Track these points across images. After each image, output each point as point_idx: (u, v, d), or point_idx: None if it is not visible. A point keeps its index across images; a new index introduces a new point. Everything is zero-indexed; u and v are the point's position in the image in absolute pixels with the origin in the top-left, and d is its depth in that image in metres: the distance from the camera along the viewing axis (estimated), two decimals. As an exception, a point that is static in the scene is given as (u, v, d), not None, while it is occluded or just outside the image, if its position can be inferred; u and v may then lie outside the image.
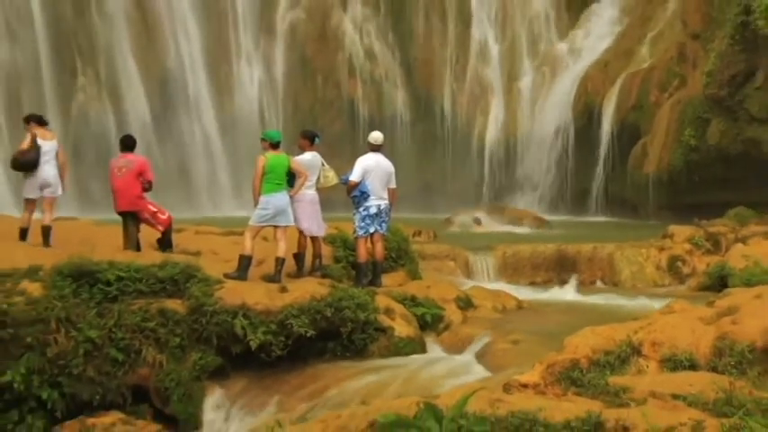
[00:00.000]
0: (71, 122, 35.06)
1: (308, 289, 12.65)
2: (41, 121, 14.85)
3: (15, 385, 11.03)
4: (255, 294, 12.35)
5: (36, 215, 14.89)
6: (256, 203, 13.73)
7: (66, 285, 11.91)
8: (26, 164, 14.51)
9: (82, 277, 12.03)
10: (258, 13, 39.70)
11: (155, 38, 37.40)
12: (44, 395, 11.18)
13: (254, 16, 39.60)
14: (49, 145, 14.55)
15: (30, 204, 14.64)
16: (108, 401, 11.51)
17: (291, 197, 13.88)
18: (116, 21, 36.43)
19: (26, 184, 14.62)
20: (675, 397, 7.00)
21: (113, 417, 11.41)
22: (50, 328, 11.42)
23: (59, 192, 14.81)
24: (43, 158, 14.44)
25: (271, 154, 13.84)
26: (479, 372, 11.27)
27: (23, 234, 14.31)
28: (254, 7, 39.57)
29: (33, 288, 11.81)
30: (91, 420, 11.28)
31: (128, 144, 14.99)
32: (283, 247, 13.66)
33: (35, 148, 14.40)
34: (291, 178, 14.11)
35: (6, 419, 11.09)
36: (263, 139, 14.24)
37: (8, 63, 33.97)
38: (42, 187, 14.52)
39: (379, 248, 14.75)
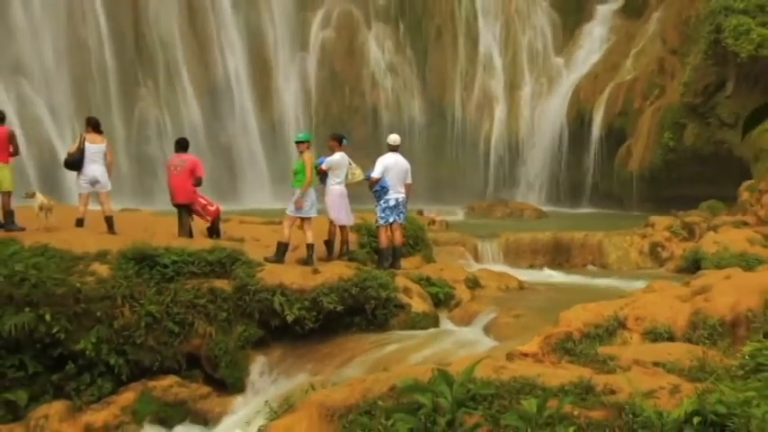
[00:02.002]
0: (133, 126, 35.21)
1: (337, 271, 12.67)
2: (96, 126, 14.86)
3: (87, 352, 11.15)
4: (291, 275, 12.39)
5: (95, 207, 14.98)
6: (304, 194, 13.69)
7: (130, 267, 12.00)
8: (71, 164, 14.57)
9: (143, 260, 12.11)
10: (294, 32, 39.64)
11: (205, 54, 37.44)
12: (111, 361, 11.29)
13: (291, 35, 39.55)
14: (96, 147, 14.53)
15: (83, 198, 14.69)
16: (166, 367, 11.60)
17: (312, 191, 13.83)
18: (172, 39, 36.49)
19: (78, 181, 14.67)
20: (656, 364, 6.98)
21: (170, 380, 11.49)
22: (117, 304, 11.51)
23: (108, 187, 14.80)
24: (89, 159, 14.42)
25: (309, 153, 13.85)
26: (485, 343, 11.26)
27: (80, 223, 14.37)
28: (291, 27, 39.52)
29: (102, 269, 11.89)
30: (151, 383, 11.37)
31: (182, 145, 15.00)
32: (311, 234, 13.66)
33: (80, 150, 14.44)
34: (323, 176, 14.16)
35: (80, 381, 11.22)
36: (302, 142, 14.10)
37: (81, 75, 34.17)
38: (92, 183, 14.55)
39: (398, 236, 14.77)
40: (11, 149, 14.39)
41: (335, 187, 14.26)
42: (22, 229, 13.61)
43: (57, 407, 10.96)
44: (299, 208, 13.63)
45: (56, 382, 11.26)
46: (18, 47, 32.54)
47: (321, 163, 14.24)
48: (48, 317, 11.07)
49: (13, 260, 11.54)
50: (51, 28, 33.49)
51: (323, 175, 14.16)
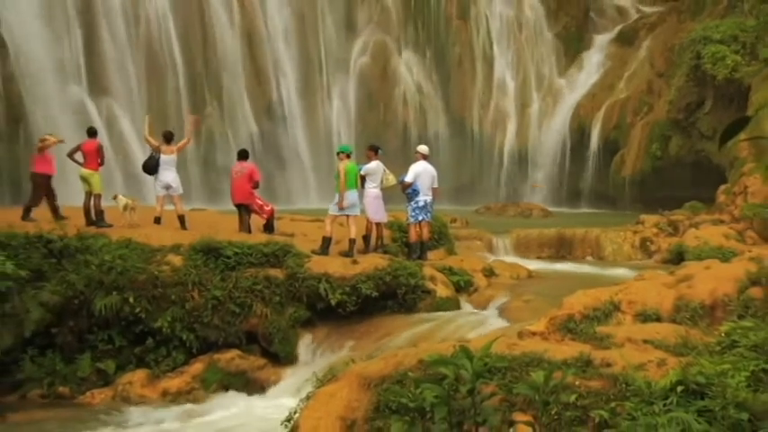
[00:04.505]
0: (202, 140, 35.38)
1: (373, 261, 12.69)
2: (168, 138, 15.00)
3: (164, 329, 11.31)
4: (334, 265, 12.44)
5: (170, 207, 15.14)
6: (342, 198, 13.74)
7: (199, 258, 12.13)
8: (146, 169, 14.80)
9: (210, 252, 12.23)
10: (337, 58, 39.68)
11: (261, 78, 37.56)
12: (184, 337, 11.43)
13: (334, 61, 39.56)
14: (167, 157, 14.65)
15: (160, 199, 14.84)
16: (229, 342, 11.72)
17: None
18: (234, 66, 36.67)
19: (155, 185, 14.84)
20: (646, 341, 6.94)
21: (233, 353, 11.59)
22: (188, 289, 11.65)
23: (180, 190, 14.97)
24: (162, 167, 14.57)
25: (346, 162, 13.92)
26: (500, 323, 11.23)
27: (157, 220, 14.52)
28: (334, 54, 39.57)
29: (176, 260, 12.03)
30: (217, 356, 11.49)
31: (242, 155, 15.14)
32: (354, 231, 13.71)
33: (153, 158, 14.57)
34: (362, 181, 14.20)
35: (158, 354, 11.41)
36: (340, 152, 14.31)
37: (159, 96, 34.50)
38: (166, 187, 14.70)
39: (426, 232, 14.75)
40: (99, 160, 14.61)
41: (372, 190, 14.29)
42: (110, 226, 13.81)
43: (139, 375, 11.13)
44: (340, 208, 13.72)
45: (138, 354, 11.45)
46: (107, 73, 32.93)
47: (360, 170, 14.30)
48: (131, 299, 11.25)
49: (103, 252, 11.74)
50: (134, 56, 33.86)
51: (361, 180, 14.23)
